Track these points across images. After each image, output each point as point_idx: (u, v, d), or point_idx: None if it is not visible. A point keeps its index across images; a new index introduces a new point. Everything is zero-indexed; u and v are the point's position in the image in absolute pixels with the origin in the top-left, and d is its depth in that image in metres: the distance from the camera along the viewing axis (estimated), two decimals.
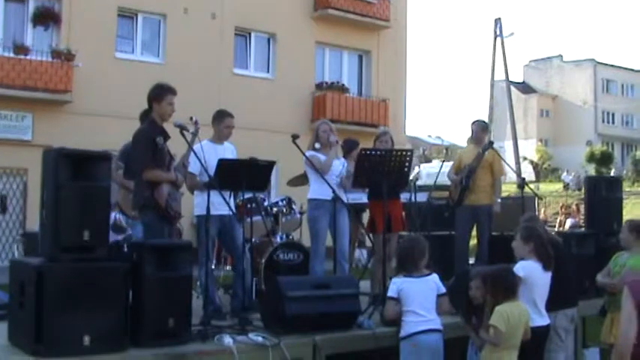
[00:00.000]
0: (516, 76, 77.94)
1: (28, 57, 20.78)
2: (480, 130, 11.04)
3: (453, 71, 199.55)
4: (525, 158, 60.53)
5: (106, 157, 6.37)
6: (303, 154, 8.60)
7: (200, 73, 23.01)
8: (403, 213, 9.81)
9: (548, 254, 6.93)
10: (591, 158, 57.12)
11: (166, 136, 7.62)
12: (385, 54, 27.80)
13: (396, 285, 6.67)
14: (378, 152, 8.43)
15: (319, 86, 26.26)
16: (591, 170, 57.25)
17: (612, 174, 58.49)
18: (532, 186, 40.90)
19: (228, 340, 6.61)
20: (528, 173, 59.08)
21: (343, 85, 26.83)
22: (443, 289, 6.80)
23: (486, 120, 48.82)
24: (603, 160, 56.85)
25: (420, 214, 11.31)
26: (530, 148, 67.39)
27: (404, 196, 11.14)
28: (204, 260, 8.21)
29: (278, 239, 9.43)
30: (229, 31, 24.52)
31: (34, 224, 13.95)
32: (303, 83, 25.80)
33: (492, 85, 47.55)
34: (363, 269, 10.53)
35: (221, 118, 8.70)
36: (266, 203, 9.66)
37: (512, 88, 71.87)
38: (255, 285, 8.80)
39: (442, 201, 12.01)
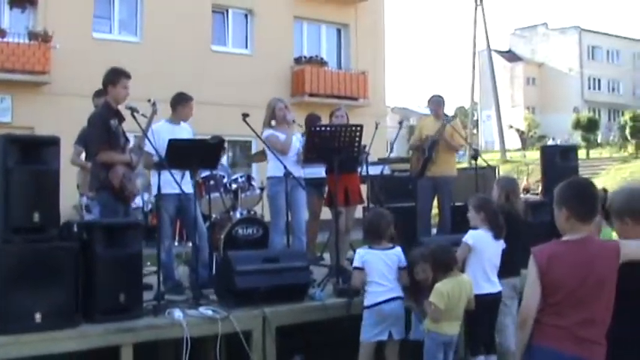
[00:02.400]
0: (502, 45, 78.15)
1: (5, 39, 20.90)
2: (437, 105, 11.27)
3: (440, 41, 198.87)
4: (511, 126, 60.72)
5: (54, 141, 6.56)
6: (258, 136, 8.83)
7: (178, 50, 23.11)
8: (361, 186, 10.03)
9: (499, 223, 7.16)
10: (577, 125, 57.22)
11: (121, 119, 7.92)
12: (363, 26, 27.87)
13: (360, 255, 6.92)
14: (328, 128, 8.64)
15: (298, 60, 26.38)
16: (577, 137, 57.50)
17: (599, 140, 58.86)
18: (518, 154, 41.09)
19: (178, 314, 6.86)
20: (515, 141, 59.34)
21: (322, 58, 26.95)
22: (404, 263, 7.00)
23: (472, 89, 49.35)
24: (590, 126, 56.96)
25: (382, 187, 11.50)
26: (517, 116, 67.61)
27: (373, 169, 11.37)
28: (162, 237, 8.47)
29: (237, 215, 9.65)
30: (207, 7, 24.65)
31: None
32: (282, 58, 25.91)
33: (474, 54, 47.61)
34: (325, 243, 10.75)
35: (186, 101, 8.96)
36: (225, 180, 9.85)
37: (498, 57, 72.10)
38: (215, 260, 9.03)
39: (405, 173, 12.22)
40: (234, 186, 9.85)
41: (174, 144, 7.69)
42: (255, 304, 7.25)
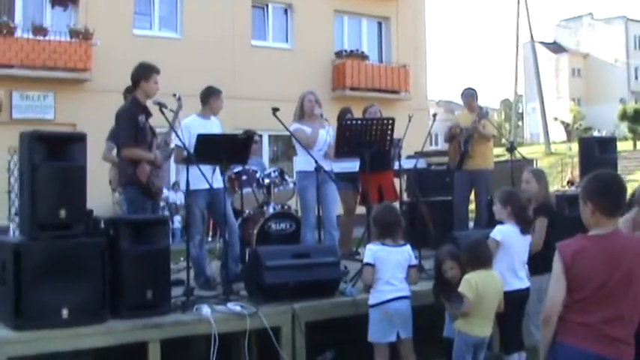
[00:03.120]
0: (547, 37, 77.21)
1: (47, 38, 21.14)
2: (470, 98, 11.16)
3: (484, 33, 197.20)
4: (556, 119, 59.97)
5: (81, 138, 6.57)
6: (287, 130, 8.76)
7: (218, 46, 23.22)
8: (397, 182, 9.93)
9: (526, 217, 7.00)
10: (624, 116, 56.28)
11: (148, 114, 7.89)
12: (404, 19, 27.75)
13: (372, 252, 6.74)
14: (359, 122, 8.54)
15: (339, 54, 26.32)
16: (624, 128, 56.61)
17: None
18: (563, 146, 40.60)
19: (206, 310, 6.82)
20: (560, 133, 58.61)
21: (363, 52, 26.85)
22: (415, 261, 6.91)
23: (515, 81, 48.85)
24: (636, 117, 55.96)
25: (418, 181, 11.39)
26: (562, 108, 66.77)
27: (408, 163, 11.26)
28: (193, 233, 8.46)
29: (270, 210, 9.60)
30: (246, 2, 24.74)
31: None
32: (323, 52, 25.87)
33: (517, 46, 47.10)
34: (360, 238, 10.66)
35: (216, 94, 8.92)
36: (258, 175, 9.81)
37: (543, 48, 71.28)
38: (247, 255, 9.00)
39: (442, 166, 12.09)
40: (267, 181, 9.77)
41: (203, 139, 7.65)
42: (285, 300, 7.20)
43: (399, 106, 25.95)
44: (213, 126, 8.75)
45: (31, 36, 20.98)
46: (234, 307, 6.97)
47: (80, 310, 6.29)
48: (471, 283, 6.35)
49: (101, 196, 8.35)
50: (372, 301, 6.75)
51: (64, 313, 6.23)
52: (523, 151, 41.18)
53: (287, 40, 25.79)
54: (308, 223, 8.88)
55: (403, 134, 9.53)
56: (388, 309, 6.62)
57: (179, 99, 8.10)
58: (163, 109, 7.59)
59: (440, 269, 6.84)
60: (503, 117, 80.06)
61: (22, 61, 20.64)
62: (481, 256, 6.52)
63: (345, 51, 26.44)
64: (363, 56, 26.70)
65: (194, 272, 8.53)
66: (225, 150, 7.71)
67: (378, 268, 6.67)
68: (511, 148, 10.08)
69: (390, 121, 8.42)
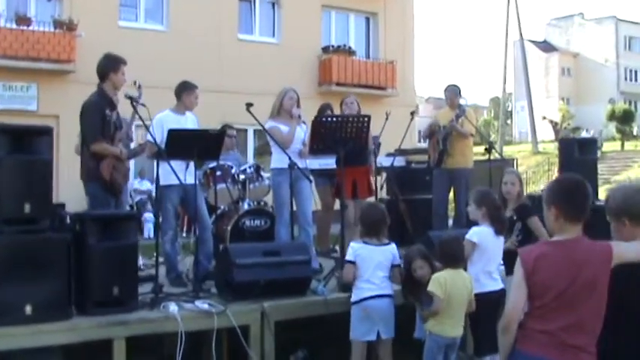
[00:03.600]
0: (538, 35, 77.22)
1: (30, 28, 20.90)
2: (453, 95, 11.10)
3: (475, 30, 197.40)
4: (545, 117, 60.01)
5: (46, 131, 6.46)
6: (262, 128, 8.68)
7: (204, 39, 23.02)
8: (372, 179, 9.86)
9: (501, 218, 6.96)
10: (612, 116, 56.36)
11: (114, 107, 7.80)
12: (392, 15, 27.59)
13: (353, 249, 6.71)
14: (334, 119, 8.45)
15: (325, 50, 26.16)
16: (612, 128, 56.69)
17: (635, 132, 58.01)
18: (552, 146, 40.56)
19: (173, 307, 6.74)
20: (549, 132, 58.65)
21: (350, 48, 26.69)
22: (398, 260, 6.84)
23: (504, 79, 48.89)
24: (625, 118, 56.07)
25: (397, 179, 11.34)
26: (552, 107, 66.80)
27: (386, 160, 11.21)
28: (166, 228, 8.38)
29: (245, 206, 9.50)
30: None
31: None
32: (309, 47, 25.71)
33: (506, 44, 47.13)
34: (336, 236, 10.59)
35: (190, 89, 8.76)
36: (234, 171, 9.70)
37: (533, 47, 71.33)
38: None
39: (423, 164, 12.03)
40: (242, 177, 9.67)
41: (174, 134, 7.55)
42: (255, 298, 7.12)
43: (385, 102, 25.84)
44: (188, 121, 8.63)
45: (14, 26, 20.75)
46: (202, 305, 6.89)
47: (44, 307, 6.20)
48: (440, 281, 6.33)
49: (78, 189, 8.23)
50: (353, 298, 6.74)
51: (28, 309, 6.13)
52: (511, 150, 41.45)
53: (274, 35, 25.62)
54: (282, 220, 8.79)
55: (380, 130, 9.47)
56: (367, 307, 6.59)
57: (139, 87, 7.94)
58: (134, 103, 7.49)
59: (409, 268, 6.79)
60: (492, 115, 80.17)
61: (4, 51, 20.38)
62: (455, 254, 6.49)
63: (332, 46, 26.29)
64: (350, 52, 26.56)
65: (166, 268, 8.45)
66: (197, 145, 7.60)
67: (359, 265, 6.65)
68: (489, 148, 10.00)
69: (366, 119, 8.33)
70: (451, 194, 11.07)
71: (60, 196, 16.49)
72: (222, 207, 9.61)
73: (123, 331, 6.43)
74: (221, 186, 9.25)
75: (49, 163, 6.43)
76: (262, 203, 10.03)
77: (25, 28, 20.82)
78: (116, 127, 7.88)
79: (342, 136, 8.21)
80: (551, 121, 60.54)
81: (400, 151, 11.81)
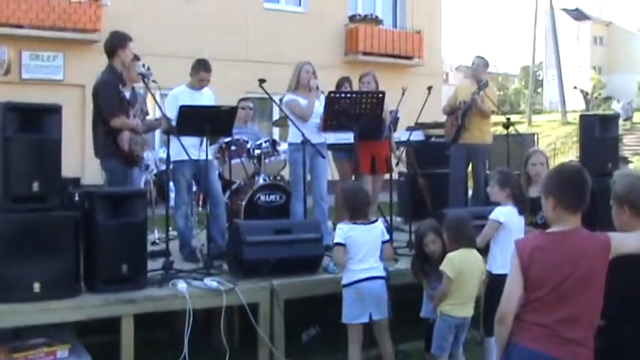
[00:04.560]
0: (570, 3, 76.04)
1: None
2: (481, 65, 10.90)
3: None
4: (575, 87, 59.27)
5: (56, 109, 6.45)
6: (274, 102, 8.65)
7: (230, 7, 22.98)
8: (390, 154, 9.79)
9: (524, 198, 6.90)
10: None
11: (124, 83, 7.85)
12: None
13: (343, 231, 6.60)
14: (348, 95, 8.38)
15: (352, 18, 26.04)
16: None
17: None
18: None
19: (182, 285, 6.73)
20: (579, 102, 57.97)
21: (377, 17, 26.55)
22: (387, 236, 6.78)
23: (533, 47, 48.27)
24: None
25: (416, 153, 11.25)
26: (583, 77, 65.96)
27: (404, 135, 11.10)
28: (179, 203, 8.40)
29: (260, 181, 9.49)
30: None
31: (64, 162, 14.19)
32: (336, 16, 25.62)
33: (536, 12, 46.49)
34: None
35: (196, 70, 8.64)
36: (249, 145, 9.68)
37: (565, 15, 70.31)
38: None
39: (442, 139, 11.91)
40: (257, 152, 9.65)
41: (185, 110, 7.53)
42: (265, 276, 7.09)
43: (412, 72, 25.73)
44: (204, 97, 8.59)
45: None
46: (210, 282, 6.87)
47: (53, 285, 6.20)
48: (454, 262, 6.24)
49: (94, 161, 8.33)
50: (344, 280, 6.64)
51: (36, 286, 6.14)
52: (540, 119, 41.05)
53: (300, 4, 25.50)
54: (298, 195, 8.76)
55: (397, 104, 9.37)
56: (360, 289, 6.50)
57: (148, 69, 7.91)
58: (145, 80, 7.50)
59: (421, 243, 6.73)
60: (523, 83, 79.37)
61: (31, 21, 20.54)
62: (464, 235, 6.41)
63: (359, 15, 26.14)
64: (377, 21, 26.40)
65: (179, 243, 8.48)
66: (208, 122, 7.56)
67: (349, 247, 6.55)
68: (507, 125, 9.86)
69: (380, 95, 8.26)
70: (470, 169, 10.94)
71: (86, 166, 16.65)
72: (237, 182, 9.60)
73: (131, 308, 6.43)
74: (236, 161, 9.23)
75: (57, 142, 6.40)
76: (278, 178, 10.00)
77: None
78: (129, 102, 7.92)
79: (356, 113, 8.16)
80: (582, 91, 59.78)
81: (419, 125, 11.69)
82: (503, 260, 6.48)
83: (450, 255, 6.30)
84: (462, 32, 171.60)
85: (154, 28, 21.16)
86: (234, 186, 9.53)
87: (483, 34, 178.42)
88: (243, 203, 9.17)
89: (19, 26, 20.48)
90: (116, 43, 7.97)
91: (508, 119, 9.97)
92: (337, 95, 8.35)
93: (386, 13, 27.34)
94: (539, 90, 70.50)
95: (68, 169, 12.42)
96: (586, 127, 10.04)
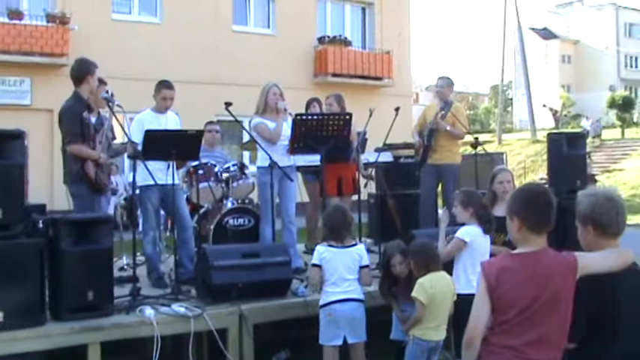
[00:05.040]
0: (538, 23, 76.73)
1: (22, 22, 20.88)
2: (445, 86, 10.87)
3: (475, 17, 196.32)
4: (545, 105, 59.78)
5: (19, 135, 6.39)
6: (241, 125, 8.61)
7: (199, 31, 23.02)
8: (357, 175, 9.77)
9: (489, 218, 6.87)
10: (612, 104, 55.99)
11: (91, 110, 7.79)
12: (388, 5, 27.54)
13: (318, 253, 6.61)
14: (314, 117, 8.37)
15: (321, 40, 26.09)
16: (613, 116, 56.39)
17: (635, 119, 57.73)
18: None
19: (149, 311, 6.66)
20: (549, 120, 58.42)
21: (346, 38, 26.63)
22: (366, 261, 6.72)
23: (502, 66, 48.71)
24: (625, 105, 55.69)
25: (385, 174, 11.21)
26: (552, 95, 66.53)
27: (373, 156, 11.05)
28: (147, 229, 8.32)
29: (229, 204, 9.43)
30: None
31: (32, 188, 14.11)
32: (305, 38, 25.68)
33: (504, 31, 47.00)
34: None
35: (158, 90, 8.55)
36: (217, 169, 9.62)
37: (534, 34, 71.05)
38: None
39: (412, 159, 11.90)
40: (225, 175, 9.59)
41: (150, 135, 7.49)
42: (234, 301, 7.03)
43: (382, 92, 25.83)
44: (169, 121, 8.52)
45: (6, 20, 20.71)
46: (178, 308, 6.81)
47: (17, 314, 6.12)
48: (425, 287, 6.20)
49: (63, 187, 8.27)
50: (320, 302, 6.64)
51: (0, 316, 6.06)
52: (510, 138, 41.23)
53: (269, 26, 25.52)
54: (266, 219, 8.72)
55: (365, 125, 9.33)
56: (332, 311, 6.47)
57: (112, 95, 7.85)
58: (110, 104, 7.46)
59: (389, 264, 6.71)
60: (493, 103, 79.89)
61: None
62: (431, 260, 6.38)
63: (328, 37, 26.22)
64: (346, 42, 26.48)
65: (147, 269, 8.40)
66: (175, 146, 7.52)
67: (324, 269, 6.53)
68: (475, 144, 9.86)
69: (347, 117, 8.25)
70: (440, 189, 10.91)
71: (55, 191, 16.49)
72: (205, 206, 9.54)
73: (97, 336, 6.35)
74: (203, 184, 9.16)
75: (21, 168, 6.34)
76: (247, 201, 9.95)
77: (17, 22, 20.81)
78: (96, 129, 7.86)
79: (322, 135, 8.14)
80: (551, 109, 60.32)
81: (388, 146, 11.68)
82: (467, 280, 6.50)
83: (420, 281, 6.26)
84: (431, 52, 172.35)
85: (121, 52, 21.13)
86: (202, 210, 9.45)
87: (453, 53, 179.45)
88: (212, 227, 9.11)
89: None
90: (85, 70, 7.93)
91: (476, 139, 9.99)
92: (304, 117, 8.33)
93: (355, 34, 27.42)
94: (509, 109, 70.99)
95: (36, 195, 12.31)
96: (554, 145, 10.06)
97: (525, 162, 40.94)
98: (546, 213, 4.02)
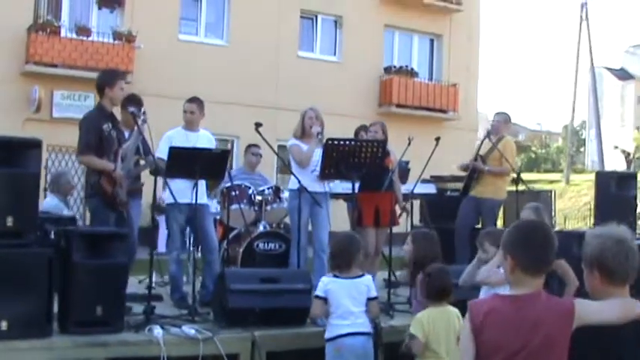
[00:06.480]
0: (614, 63, 75.35)
1: (90, 38, 21.17)
2: (503, 121, 10.55)
3: (549, 56, 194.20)
4: (617, 147, 58.47)
5: (36, 144, 6.33)
6: (272, 149, 8.52)
7: (264, 55, 22.97)
8: (396, 206, 9.53)
9: None
10: None
11: (115, 122, 7.69)
12: (457, 38, 27.13)
13: (324, 284, 6.36)
14: (346, 142, 8.16)
15: (387, 70, 25.89)
16: None
17: None
18: None
19: (158, 331, 6.51)
20: (621, 162, 57.09)
21: (412, 69, 26.35)
22: (374, 293, 6.46)
23: (573, 106, 47.92)
24: None
25: (429, 207, 10.96)
26: (626, 137, 64.98)
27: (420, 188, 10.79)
28: (171, 248, 8.22)
29: (261, 228, 9.26)
30: (295, 12, 24.34)
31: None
32: (371, 67, 25.44)
33: (577, 71, 46.21)
34: None
35: (183, 107, 8.59)
36: (250, 192, 9.47)
37: (609, 74, 69.66)
38: None
39: (457, 193, 11.60)
40: (259, 198, 9.43)
41: (175, 152, 7.39)
42: (250, 326, 6.84)
43: (446, 125, 25.47)
44: (200, 139, 8.41)
45: (74, 36, 21.04)
46: (188, 330, 6.64)
47: (21, 323, 6.06)
48: (422, 322, 5.91)
49: None
50: (326, 335, 6.36)
51: (3, 325, 5.98)
52: (583, 178, 40.17)
53: (335, 53, 25.43)
54: (295, 244, 8.55)
55: (428, 157, 9.01)
56: (340, 345, 6.21)
57: (144, 113, 7.72)
58: (136, 119, 7.36)
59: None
60: (565, 142, 78.59)
61: (64, 60, 20.70)
62: (441, 288, 6.08)
63: (394, 67, 25.99)
64: (412, 73, 26.21)
65: (170, 288, 8.29)
66: (199, 164, 7.39)
67: (330, 301, 6.28)
68: (517, 180, 9.55)
69: (380, 144, 8.04)
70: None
71: None
72: (237, 228, 9.39)
73: (101, 352, 6.23)
74: (235, 207, 9.00)
75: (36, 177, 6.30)
76: (282, 226, 9.78)
77: (84, 38, 21.08)
78: (119, 143, 7.71)
79: (354, 161, 7.94)
80: (623, 151, 58.93)
81: (434, 178, 11.43)
82: None
83: (418, 316, 5.99)
84: (503, 87, 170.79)
85: (185, 72, 21.21)
86: (233, 232, 9.31)
87: (526, 91, 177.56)
88: (241, 250, 8.95)
89: (53, 65, 20.62)
90: (104, 81, 7.80)
91: (518, 174, 9.68)
92: (335, 142, 8.11)
93: (422, 66, 27.12)
94: (582, 149, 69.62)
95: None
96: (601, 184, 9.75)
97: (591, 203, 40.08)
98: (543, 252, 3.66)
